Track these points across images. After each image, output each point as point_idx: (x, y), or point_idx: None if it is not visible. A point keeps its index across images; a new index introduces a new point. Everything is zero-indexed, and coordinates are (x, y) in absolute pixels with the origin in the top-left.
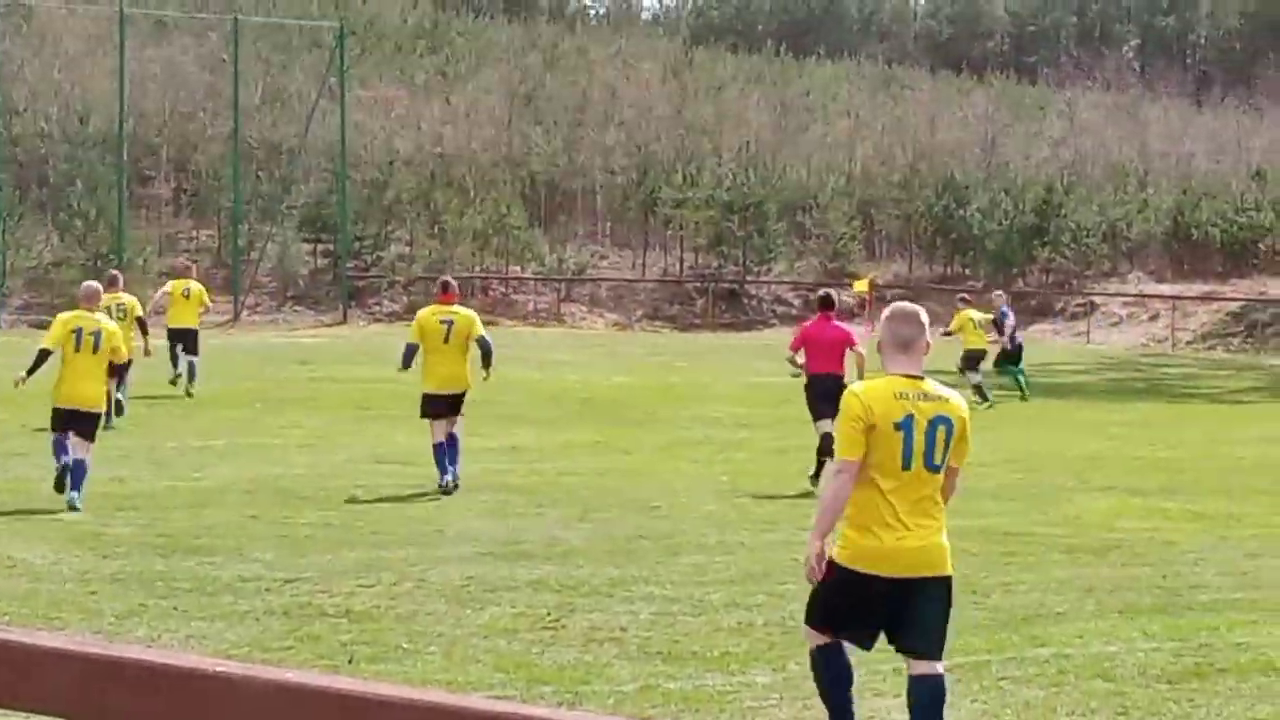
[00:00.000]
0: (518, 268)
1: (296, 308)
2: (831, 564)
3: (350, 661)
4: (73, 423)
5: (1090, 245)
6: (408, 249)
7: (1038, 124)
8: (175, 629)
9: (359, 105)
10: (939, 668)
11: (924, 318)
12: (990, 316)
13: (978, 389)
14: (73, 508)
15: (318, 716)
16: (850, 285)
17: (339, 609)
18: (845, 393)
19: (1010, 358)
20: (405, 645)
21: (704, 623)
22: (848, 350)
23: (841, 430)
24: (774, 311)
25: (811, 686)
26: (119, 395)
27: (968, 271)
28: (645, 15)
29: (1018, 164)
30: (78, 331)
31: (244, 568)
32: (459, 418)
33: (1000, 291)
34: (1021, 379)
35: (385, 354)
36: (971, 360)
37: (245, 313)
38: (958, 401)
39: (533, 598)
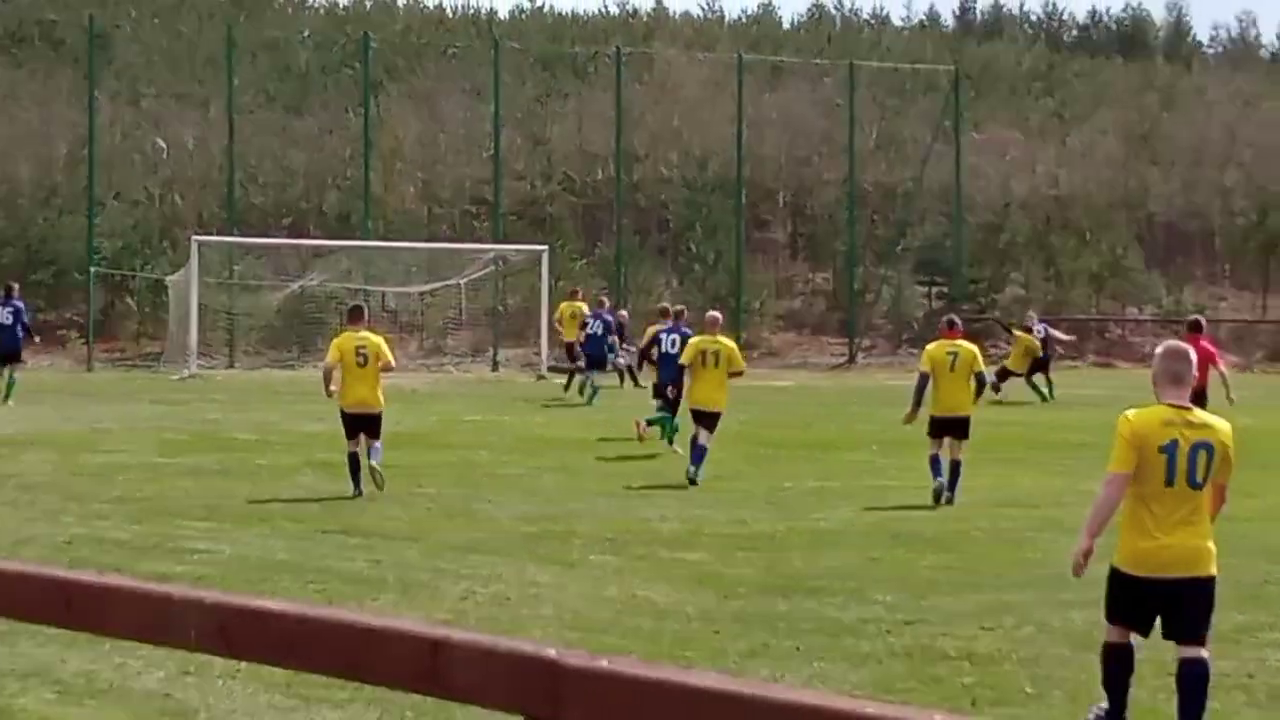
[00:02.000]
0: (1134, 309)
1: (912, 350)
2: (1112, 569)
3: (973, 704)
4: (701, 420)
5: None
6: (1023, 291)
7: None
8: (798, 669)
9: (973, 148)
10: (1202, 652)
11: (1192, 355)
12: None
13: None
14: (692, 482)
15: None
16: None
17: (961, 652)
18: (1120, 416)
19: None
20: (1029, 690)
21: None
22: (1210, 366)
23: (1114, 446)
24: None
25: None
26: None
27: None
28: (1264, 53)
29: None
30: (703, 352)
31: (865, 609)
32: (964, 441)
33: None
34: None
35: (1008, 396)
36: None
37: (860, 355)
38: (1220, 427)
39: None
